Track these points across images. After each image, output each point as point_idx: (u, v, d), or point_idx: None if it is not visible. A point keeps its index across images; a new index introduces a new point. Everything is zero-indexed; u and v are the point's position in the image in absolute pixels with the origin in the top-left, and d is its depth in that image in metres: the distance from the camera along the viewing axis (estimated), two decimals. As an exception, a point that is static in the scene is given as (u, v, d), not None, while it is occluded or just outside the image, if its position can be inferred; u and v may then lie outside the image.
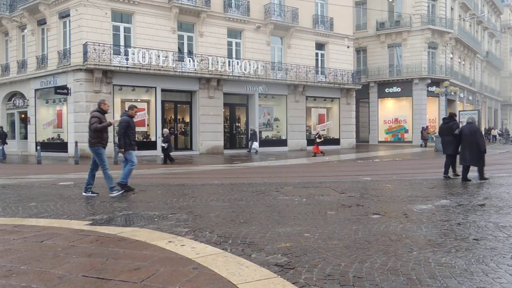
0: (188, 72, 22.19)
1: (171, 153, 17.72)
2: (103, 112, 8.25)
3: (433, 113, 34.96)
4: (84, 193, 8.18)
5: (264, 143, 26.09)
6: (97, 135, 8.03)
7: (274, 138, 27.27)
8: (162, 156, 17.50)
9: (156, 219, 5.88)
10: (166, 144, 17.07)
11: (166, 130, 17.92)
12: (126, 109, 8.68)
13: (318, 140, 21.99)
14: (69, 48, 21.07)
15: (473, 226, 5.36)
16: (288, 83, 26.42)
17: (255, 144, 23.48)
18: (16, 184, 10.40)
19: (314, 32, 28.35)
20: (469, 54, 42.95)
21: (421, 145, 30.03)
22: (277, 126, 27.62)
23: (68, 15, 21.07)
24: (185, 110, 24.58)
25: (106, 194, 8.21)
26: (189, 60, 22.75)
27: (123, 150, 8.61)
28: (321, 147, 21.76)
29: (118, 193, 8.04)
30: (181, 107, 24.65)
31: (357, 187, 9.13)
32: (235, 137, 26.51)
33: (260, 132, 26.22)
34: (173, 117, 24.26)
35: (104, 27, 20.66)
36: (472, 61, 44.86)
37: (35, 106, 23.01)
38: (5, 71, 25.73)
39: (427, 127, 32.14)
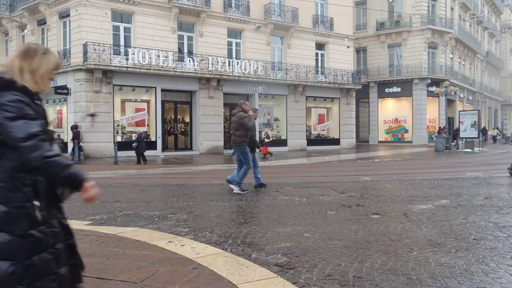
0: (188, 72, 22.19)
1: (164, 155, 17.82)
2: (245, 112, 8.58)
3: (433, 113, 34.97)
4: (235, 191, 8.35)
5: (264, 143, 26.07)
6: (244, 134, 8.43)
7: (274, 138, 27.24)
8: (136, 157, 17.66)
9: (156, 219, 5.89)
10: (135, 144, 17.26)
11: (139, 130, 18.12)
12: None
13: (266, 140, 21.25)
14: (69, 48, 21.08)
15: (473, 226, 5.36)
16: (288, 83, 26.42)
17: None
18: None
19: (314, 32, 28.35)
20: (469, 54, 42.96)
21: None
22: (277, 126, 27.62)
23: (68, 15, 21.08)
24: (185, 110, 24.59)
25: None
26: (189, 60, 22.75)
27: (260, 149, 9.17)
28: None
29: (241, 192, 8.17)
30: (181, 107, 24.65)
31: (357, 187, 9.13)
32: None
33: (260, 132, 26.18)
34: (173, 117, 24.26)
35: (104, 27, 20.66)
36: (472, 61, 44.87)
37: (35, 106, 23.00)
38: (5, 71, 25.73)
39: (444, 127, 31.10)
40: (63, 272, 2.20)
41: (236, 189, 8.24)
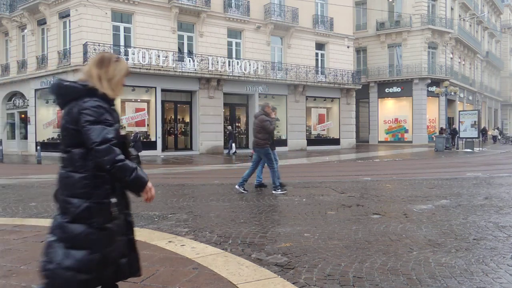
0: (188, 72, 22.19)
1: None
2: (267, 115, 8.70)
3: (433, 113, 34.96)
4: (236, 187, 8.48)
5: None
6: (267, 136, 8.59)
7: (274, 138, 27.20)
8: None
9: (156, 219, 5.89)
10: (132, 144, 17.24)
11: (135, 130, 18.28)
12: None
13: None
14: (69, 48, 21.08)
15: (473, 226, 5.36)
16: (288, 83, 26.42)
17: (233, 146, 22.70)
18: (16, 184, 10.40)
19: (314, 32, 28.35)
20: (469, 54, 42.96)
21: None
22: (277, 126, 27.50)
23: (68, 15, 21.07)
24: (185, 110, 24.59)
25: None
26: (189, 60, 22.75)
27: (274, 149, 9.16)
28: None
29: (280, 192, 8.25)
30: (181, 107, 24.65)
31: (357, 187, 9.13)
32: (235, 137, 26.48)
33: (260, 132, 26.20)
34: (173, 117, 24.26)
35: (104, 27, 20.66)
36: (472, 61, 44.87)
37: (35, 106, 23.02)
38: (5, 71, 25.74)
39: (446, 127, 30.87)
40: (123, 263, 2.48)
41: (278, 192, 8.30)
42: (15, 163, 19.01)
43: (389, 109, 35.44)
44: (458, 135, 27.54)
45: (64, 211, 2.32)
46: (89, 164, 2.29)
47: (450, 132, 29.33)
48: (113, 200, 2.37)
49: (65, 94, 2.36)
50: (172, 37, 22.65)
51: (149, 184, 2.39)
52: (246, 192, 8.35)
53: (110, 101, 2.38)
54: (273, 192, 8.32)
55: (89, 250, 2.28)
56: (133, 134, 18.07)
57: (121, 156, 2.26)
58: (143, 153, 20.91)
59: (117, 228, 2.42)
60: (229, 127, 24.08)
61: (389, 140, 35.01)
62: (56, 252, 2.28)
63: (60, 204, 2.36)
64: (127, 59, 20.72)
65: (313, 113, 29.27)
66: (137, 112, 22.20)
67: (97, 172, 2.29)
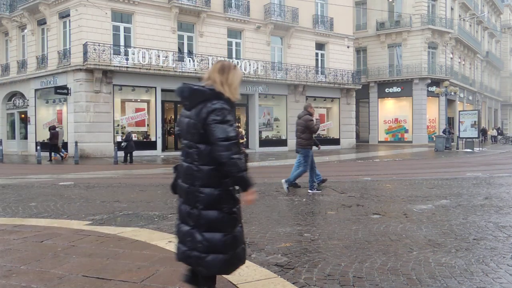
0: (188, 72, 22.18)
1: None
2: (310, 115, 8.75)
3: (433, 113, 34.96)
4: (309, 190, 8.50)
5: (264, 143, 26.09)
6: (310, 137, 8.64)
7: (274, 138, 27.26)
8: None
9: (156, 219, 5.89)
10: (125, 143, 17.38)
11: (127, 130, 18.25)
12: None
13: (241, 140, 20.80)
14: (69, 48, 21.07)
15: (473, 226, 5.36)
16: (288, 83, 26.42)
17: None
18: (16, 184, 10.40)
19: (314, 32, 28.34)
20: (469, 54, 42.96)
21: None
22: (277, 126, 27.61)
23: (68, 15, 21.07)
24: (185, 110, 24.55)
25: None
26: (189, 60, 22.74)
27: (319, 146, 9.40)
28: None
29: (315, 191, 8.34)
30: (181, 107, 24.60)
31: (357, 187, 9.14)
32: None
33: (260, 132, 26.21)
34: (173, 117, 24.26)
35: (104, 27, 20.65)
36: (472, 61, 44.86)
37: (35, 106, 23.01)
38: (5, 71, 25.73)
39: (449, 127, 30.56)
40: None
41: (285, 188, 8.45)
42: (15, 163, 19.02)
43: (389, 109, 35.44)
44: (451, 136, 27.72)
45: (195, 200, 2.68)
46: (216, 158, 2.64)
47: (443, 132, 29.39)
48: (237, 187, 2.76)
49: (195, 97, 2.74)
50: (172, 37, 22.65)
51: (253, 189, 2.70)
52: (320, 191, 8.39)
53: (232, 104, 2.76)
54: (308, 191, 8.42)
55: (223, 233, 2.68)
56: (125, 134, 18.02)
57: (237, 155, 2.61)
58: (143, 153, 20.97)
59: (239, 212, 2.82)
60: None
61: (389, 140, 35.01)
62: (196, 238, 2.67)
63: (188, 194, 2.73)
64: (127, 59, 20.77)
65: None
66: (137, 112, 22.20)
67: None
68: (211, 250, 2.64)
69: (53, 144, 18.46)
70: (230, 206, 2.73)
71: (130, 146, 17.40)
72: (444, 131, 29.13)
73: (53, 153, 18.77)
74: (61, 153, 18.98)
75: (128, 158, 17.42)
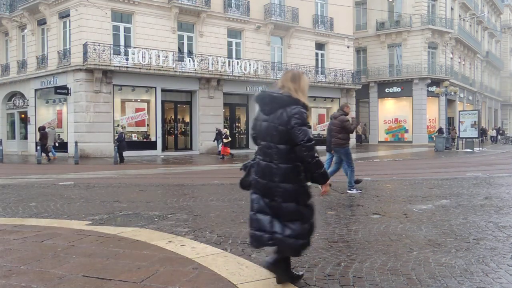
0: (188, 72, 22.19)
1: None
2: (346, 114, 8.73)
3: (433, 113, 34.95)
4: (348, 191, 8.41)
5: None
6: (347, 136, 8.67)
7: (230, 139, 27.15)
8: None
9: (156, 219, 5.89)
10: (117, 143, 17.42)
11: (119, 130, 18.18)
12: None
13: (225, 140, 19.87)
14: (69, 48, 21.07)
15: (473, 226, 5.36)
16: (288, 83, 26.37)
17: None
18: (16, 184, 10.40)
19: (314, 32, 28.34)
20: (469, 54, 42.95)
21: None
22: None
23: (68, 15, 21.07)
24: (185, 110, 24.59)
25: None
26: (189, 60, 22.74)
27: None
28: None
29: (357, 192, 8.24)
30: (181, 107, 24.65)
31: (357, 187, 9.12)
32: (235, 137, 26.49)
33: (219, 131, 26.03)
34: (173, 117, 24.26)
35: (104, 27, 20.65)
36: (472, 61, 44.85)
37: (35, 106, 23.02)
38: (5, 71, 25.74)
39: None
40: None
41: (354, 192, 8.31)
42: (15, 163, 19.02)
43: (389, 109, 35.43)
44: (450, 136, 27.83)
45: (275, 194, 3.11)
46: (292, 157, 3.06)
47: (438, 131, 29.44)
48: (309, 183, 3.19)
49: (275, 103, 3.13)
50: (172, 37, 22.65)
51: (328, 182, 3.20)
52: (360, 191, 8.30)
53: (307, 108, 3.16)
54: (348, 191, 8.32)
55: (300, 222, 3.12)
56: (118, 134, 17.97)
57: (317, 154, 3.06)
58: (143, 153, 20.98)
59: (313, 205, 3.24)
60: (217, 127, 23.19)
61: (389, 140, 35.00)
62: (276, 226, 3.11)
63: (267, 189, 3.15)
64: (127, 59, 20.77)
65: (313, 113, 29.26)
66: (137, 112, 22.20)
67: (297, 163, 3.08)
68: (292, 236, 3.09)
69: (43, 144, 18.45)
70: (305, 199, 3.17)
71: (122, 146, 17.40)
72: (439, 131, 29.13)
73: (50, 153, 18.71)
74: (50, 154, 18.83)
75: (121, 157, 17.37)
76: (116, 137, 18.13)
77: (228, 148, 19.89)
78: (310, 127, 3.16)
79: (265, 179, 3.15)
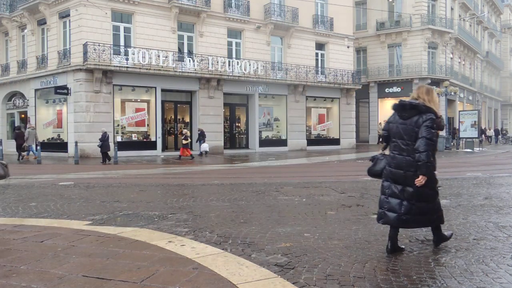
0: (188, 72, 22.18)
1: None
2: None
3: (433, 113, 34.89)
4: None
5: (264, 143, 26.09)
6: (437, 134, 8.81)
7: (274, 138, 27.26)
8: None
9: (156, 219, 5.89)
10: (100, 143, 17.40)
11: (103, 129, 18.14)
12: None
13: (184, 142, 19.44)
14: (69, 48, 21.07)
15: (473, 226, 5.36)
16: (288, 83, 26.41)
17: (204, 146, 21.48)
18: (16, 184, 10.40)
19: (314, 32, 28.34)
20: (469, 54, 42.94)
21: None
22: (277, 126, 27.59)
23: (68, 15, 21.07)
24: (185, 110, 24.58)
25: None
26: (189, 60, 22.74)
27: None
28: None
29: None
30: (181, 107, 24.64)
31: (357, 187, 9.13)
32: (235, 137, 26.50)
33: (260, 132, 26.21)
34: (173, 117, 24.26)
35: (104, 27, 20.65)
36: (472, 61, 44.85)
37: (35, 106, 23.02)
38: (5, 71, 25.73)
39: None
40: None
41: None
42: (15, 163, 19.01)
43: (389, 109, 34.24)
44: (445, 136, 27.75)
45: (411, 181, 3.99)
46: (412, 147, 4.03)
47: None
48: (436, 172, 4.07)
49: (415, 110, 4.05)
50: (172, 37, 22.64)
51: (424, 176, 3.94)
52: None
53: (437, 116, 4.03)
54: None
55: (427, 202, 4.08)
56: (101, 133, 17.91)
57: (430, 151, 3.89)
58: (143, 153, 20.97)
59: (437, 189, 4.19)
60: (199, 127, 23.03)
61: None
62: (404, 207, 4.05)
63: (403, 178, 4.07)
64: (127, 59, 20.77)
65: (313, 113, 29.26)
66: (137, 112, 22.20)
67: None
68: (423, 213, 4.08)
69: (19, 144, 18.51)
70: (433, 185, 4.10)
71: (105, 146, 17.38)
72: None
73: (25, 152, 18.91)
74: (23, 153, 18.93)
75: (104, 157, 17.33)
76: (100, 137, 17.94)
77: (189, 149, 19.61)
78: (435, 130, 3.94)
79: (402, 170, 4.06)
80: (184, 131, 20.88)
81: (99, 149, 17.52)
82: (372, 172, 4.55)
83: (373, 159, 4.50)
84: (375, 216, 6.01)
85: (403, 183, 4.05)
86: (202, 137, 21.50)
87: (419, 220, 4.11)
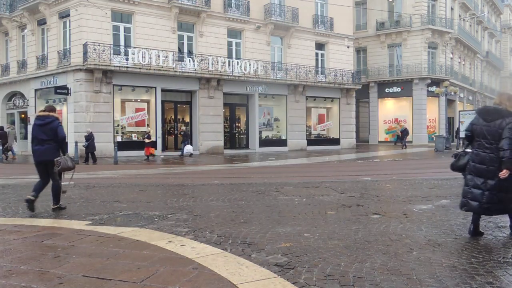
0: (188, 72, 22.18)
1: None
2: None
3: (433, 113, 34.96)
4: None
5: (264, 143, 26.08)
6: None
7: (274, 138, 27.26)
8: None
9: (156, 219, 5.89)
10: (86, 143, 17.34)
11: (89, 130, 18.07)
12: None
13: (146, 141, 19.49)
14: (69, 48, 21.07)
15: (473, 226, 5.35)
16: (288, 83, 26.41)
17: (188, 147, 21.12)
18: (16, 184, 10.40)
19: (314, 32, 28.34)
20: (469, 54, 42.94)
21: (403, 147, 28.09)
22: (277, 126, 27.60)
23: (68, 15, 21.06)
24: (185, 110, 24.58)
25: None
26: (189, 60, 22.74)
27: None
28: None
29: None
30: (181, 107, 24.64)
31: (357, 187, 9.13)
32: (235, 137, 26.50)
33: (260, 132, 26.21)
34: (173, 117, 24.25)
35: (104, 27, 20.65)
36: (472, 61, 44.85)
37: (35, 106, 23.00)
38: (5, 71, 25.73)
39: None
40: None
41: None
42: (15, 163, 19.01)
43: (389, 109, 35.42)
44: (405, 137, 28.92)
45: (493, 175, 4.49)
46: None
47: (401, 131, 29.77)
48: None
49: (498, 114, 4.57)
50: (172, 37, 22.64)
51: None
52: None
53: None
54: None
55: (506, 193, 4.53)
56: (87, 133, 17.87)
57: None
58: (142, 153, 20.92)
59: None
60: (183, 127, 23.11)
61: (389, 140, 34.99)
62: (486, 197, 4.57)
63: (483, 172, 4.58)
64: (127, 59, 20.76)
65: (313, 113, 29.26)
66: (137, 112, 22.19)
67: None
68: (502, 202, 4.55)
69: (3, 144, 18.81)
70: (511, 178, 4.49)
71: (92, 146, 17.31)
72: (403, 131, 29.91)
73: (10, 152, 19.33)
74: (5, 154, 19.12)
75: (90, 158, 17.26)
76: (86, 136, 17.85)
77: (152, 149, 19.68)
78: None
79: (485, 165, 4.58)
80: (148, 128, 21.11)
81: (84, 149, 17.44)
82: (455, 167, 5.08)
83: (456, 156, 5.11)
84: (375, 216, 6.03)
85: (485, 177, 4.56)
86: (186, 138, 21.43)
87: (498, 208, 4.60)
